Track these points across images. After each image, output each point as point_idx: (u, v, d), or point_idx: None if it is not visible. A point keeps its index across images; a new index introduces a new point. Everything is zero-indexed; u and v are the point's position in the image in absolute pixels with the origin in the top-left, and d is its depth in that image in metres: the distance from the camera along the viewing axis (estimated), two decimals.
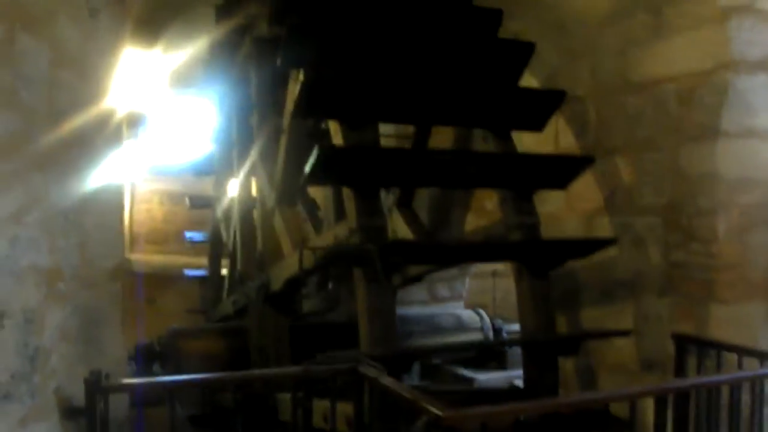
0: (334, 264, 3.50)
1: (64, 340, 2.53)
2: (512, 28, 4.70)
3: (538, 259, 3.71)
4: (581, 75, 4.48)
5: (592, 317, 4.32)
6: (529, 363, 3.68)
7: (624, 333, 3.77)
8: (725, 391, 3.07)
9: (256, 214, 5.13)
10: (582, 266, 4.41)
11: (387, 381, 2.57)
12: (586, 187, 4.43)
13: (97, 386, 2.44)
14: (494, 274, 9.92)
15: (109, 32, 3.13)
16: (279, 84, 4.59)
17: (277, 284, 4.57)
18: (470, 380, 6.61)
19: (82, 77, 2.81)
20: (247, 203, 5.48)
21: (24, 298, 2.34)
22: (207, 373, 5.28)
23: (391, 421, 2.61)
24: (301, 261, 3.70)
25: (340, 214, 4.54)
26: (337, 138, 3.64)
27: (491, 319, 6.84)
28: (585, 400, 2.42)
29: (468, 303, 7.86)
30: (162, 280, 9.03)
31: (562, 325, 4.27)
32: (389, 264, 3.21)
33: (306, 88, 3.38)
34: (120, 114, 3.20)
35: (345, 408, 2.82)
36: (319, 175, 3.51)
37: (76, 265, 2.69)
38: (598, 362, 4.33)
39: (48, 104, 2.50)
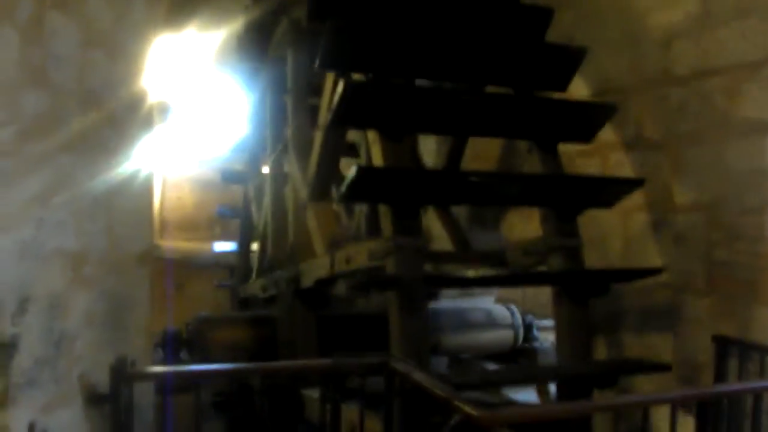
0: (367, 288, 3.42)
1: (89, 326, 2.49)
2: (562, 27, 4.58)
3: (579, 286, 3.59)
4: (622, 67, 4.34)
5: (628, 317, 4.18)
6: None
7: (664, 368, 3.59)
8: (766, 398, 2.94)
9: (288, 202, 5.07)
10: (621, 260, 4.29)
11: (419, 377, 2.49)
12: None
13: (122, 373, 2.40)
14: None
15: (142, 13, 3.09)
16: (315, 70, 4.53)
17: (307, 280, 4.50)
18: None
19: (113, 58, 2.77)
20: (279, 189, 5.42)
21: (49, 282, 2.30)
22: (233, 363, 5.32)
23: (421, 419, 2.53)
24: (332, 265, 3.59)
25: (375, 223, 4.48)
26: (375, 147, 3.53)
27: (522, 315, 6.71)
28: (621, 404, 2.30)
29: (498, 298, 7.76)
30: (191, 266, 9.06)
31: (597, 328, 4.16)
32: (424, 292, 3.13)
33: (344, 100, 3.27)
34: (151, 97, 3.16)
35: (350, 414, 2.74)
36: (355, 194, 3.43)
37: (104, 249, 2.65)
38: None
39: (78, 84, 2.46)
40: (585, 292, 3.59)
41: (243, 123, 7.04)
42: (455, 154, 4.71)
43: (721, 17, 3.61)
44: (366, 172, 3.22)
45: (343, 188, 3.24)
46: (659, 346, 3.98)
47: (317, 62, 3.58)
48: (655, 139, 4.10)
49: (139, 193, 3.06)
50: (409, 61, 3.66)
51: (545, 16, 4.12)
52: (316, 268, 4.28)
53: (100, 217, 2.60)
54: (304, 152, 4.71)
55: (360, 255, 3.49)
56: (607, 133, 4.44)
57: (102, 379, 2.44)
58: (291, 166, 4.93)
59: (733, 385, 2.66)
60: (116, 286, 2.76)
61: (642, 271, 3.73)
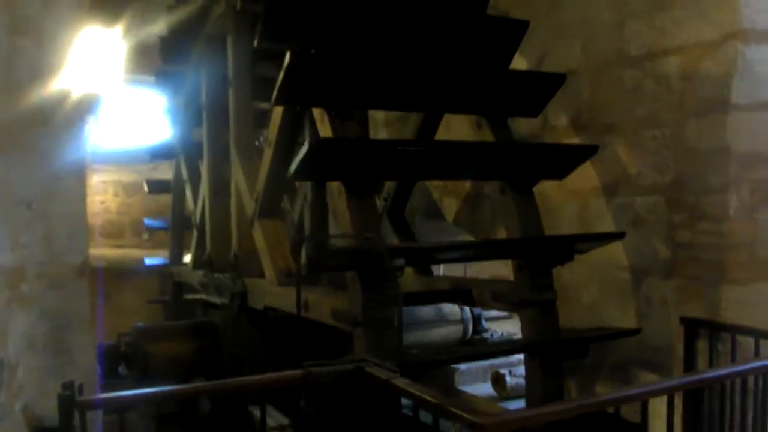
0: (328, 269, 3.21)
1: (30, 351, 2.19)
2: (500, 5, 4.47)
3: (542, 257, 3.45)
4: (573, 50, 4.28)
5: (591, 303, 4.12)
6: (531, 369, 3.45)
7: (633, 332, 3.58)
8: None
9: (231, 208, 4.76)
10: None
11: (401, 383, 2.31)
12: (579, 167, 4.23)
13: (72, 402, 2.12)
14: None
15: (69, 1, 2.78)
16: (258, 61, 4.28)
17: (256, 302, 4.32)
18: (451, 370, 6.41)
19: (41, 46, 2.45)
20: (218, 189, 5.13)
21: None
22: (184, 383, 5.01)
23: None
24: (298, 308, 3.35)
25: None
26: (323, 126, 3.33)
27: (470, 308, 6.63)
28: (622, 397, 2.19)
29: None
30: (118, 275, 8.57)
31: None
32: (392, 269, 2.93)
33: (289, 72, 3.04)
34: (79, 91, 2.85)
35: None
36: (307, 171, 3.21)
37: (42, 262, 2.34)
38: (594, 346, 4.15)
39: (6, 75, 2.14)
40: (548, 263, 3.46)
41: (164, 124, 6.72)
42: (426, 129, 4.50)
43: None
44: (320, 145, 3.01)
45: (294, 165, 3.04)
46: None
47: (256, 41, 3.35)
48: (610, 122, 4.04)
49: (75, 198, 2.75)
50: (354, 39, 3.46)
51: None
52: (267, 294, 4.13)
53: (36, 225, 2.29)
54: (248, 157, 4.46)
55: (321, 308, 3.28)
56: (559, 117, 4.38)
57: (49, 410, 2.15)
58: (235, 173, 4.65)
59: (732, 368, 2.59)
60: (57, 302, 2.45)
61: (604, 235, 3.74)
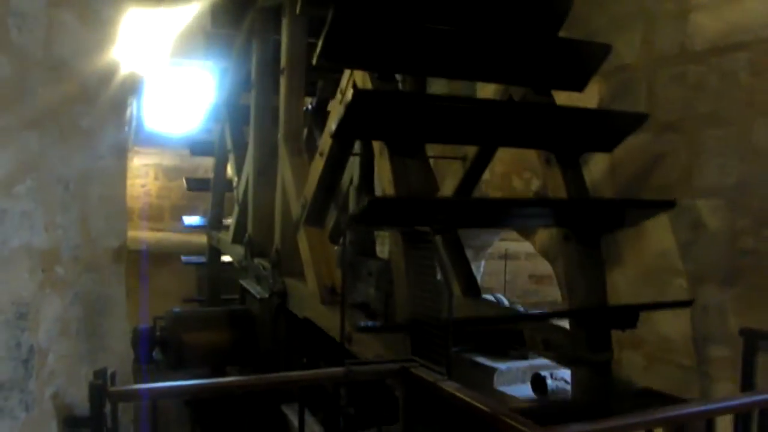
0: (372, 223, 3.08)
1: (63, 336, 2.11)
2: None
3: (588, 222, 3.32)
4: (632, 42, 4.07)
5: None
6: (577, 339, 3.29)
7: (686, 303, 3.44)
8: None
9: (276, 203, 4.67)
10: (629, 251, 4.04)
11: (450, 387, 2.18)
12: (633, 166, 4.04)
13: (104, 391, 2.04)
14: (506, 255, 9.61)
15: None
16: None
17: (295, 308, 4.27)
18: (490, 370, 6.24)
19: (84, 22, 2.37)
20: (265, 172, 5.05)
21: (15, 287, 1.91)
22: (218, 370, 4.96)
23: None
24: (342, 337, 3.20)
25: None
26: (383, 162, 3.16)
27: (510, 303, 6.46)
28: (684, 414, 2.03)
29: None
30: (157, 258, 8.61)
31: None
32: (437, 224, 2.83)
33: (354, 108, 2.89)
34: (124, 71, 2.77)
35: None
36: (365, 222, 3.08)
37: (78, 245, 2.26)
38: (646, 355, 3.97)
39: (45, 50, 2.06)
40: (596, 230, 3.35)
41: (211, 93, 6.69)
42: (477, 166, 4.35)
43: None
44: (377, 203, 2.86)
45: (351, 218, 2.94)
46: (676, 341, 3.73)
47: (315, 57, 3.21)
48: (670, 120, 3.83)
49: (115, 180, 2.69)
50: (417, 57, 3.31)
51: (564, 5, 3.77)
52: (308, 307, 4.04)
53: (72, 207, 2.21)
54: (297, 153, 4.36)
55: (366, 349, 3.10)
56: None
57: (80, 399, 2.07)
58: (282, 168, 4.54)
59: None
60: (92, 287, 2.38)
61: (657, 202, 3.57)
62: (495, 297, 6.64)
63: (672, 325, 3.82)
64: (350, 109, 2.86)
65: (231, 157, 6.17)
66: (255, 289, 4.94)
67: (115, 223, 2.67)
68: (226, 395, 4.98)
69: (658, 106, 3.91)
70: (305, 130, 5.50)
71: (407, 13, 3.34)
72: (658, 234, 3.92)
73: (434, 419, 2.32)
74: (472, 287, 4.48)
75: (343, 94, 3.41)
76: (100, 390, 2.02)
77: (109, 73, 2.57)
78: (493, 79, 3.86)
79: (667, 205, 3.46)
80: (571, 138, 3.47)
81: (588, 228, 3.37)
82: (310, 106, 6.44)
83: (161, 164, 9.95)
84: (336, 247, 4.44)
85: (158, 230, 9.71)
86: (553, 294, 10.69)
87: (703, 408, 2.15)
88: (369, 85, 3.23)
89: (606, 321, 3.30)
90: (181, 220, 8.21)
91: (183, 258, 7.75)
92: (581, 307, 3.28)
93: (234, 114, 6.11)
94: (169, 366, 4.94)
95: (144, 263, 7.39)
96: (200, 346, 4.83)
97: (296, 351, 4.44)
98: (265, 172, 4.99)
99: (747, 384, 3.31)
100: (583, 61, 3.55)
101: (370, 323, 3.09)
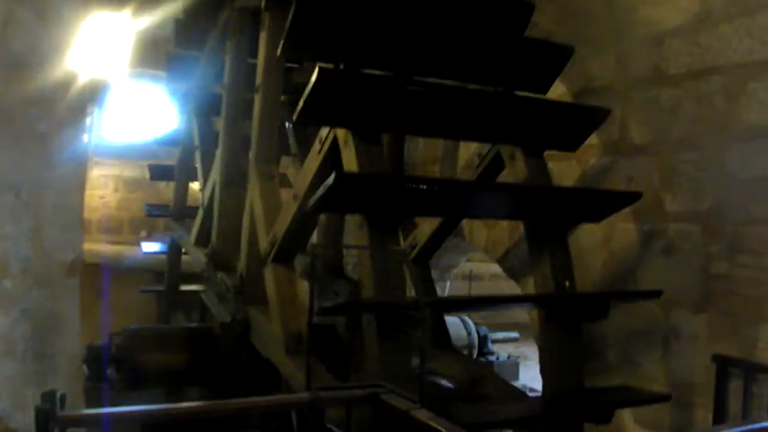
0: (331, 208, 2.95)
1: (8, 356, 1.96)
2: (542, 23, 4.25)
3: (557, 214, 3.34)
4: (606, 64, 4.06)
5: (613, 336, 3.88)
6: (546, 330, 3.26)
7: (656, 294, 3.38)
8: None
9: (244, 230, 4.41)
10: (601, 275, 4.00)
11: (422, 415, 2.07)
12: (606, 185, 4.01)
13: (51, 416, 1.88)
14: (470, 276, 9.57)
15: None
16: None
17: (257, 343, 4.09)
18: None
19: (44, 20, 2.23)
20: (233, 182, 4.88)
21: None
22: (175, 391, 4.74)
23: None
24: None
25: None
26: (348, 149, 3.07)
27: (477, 329, 6.42)
28: None
29: None
30: (115, 272, 8.34)
31: None
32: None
33: (317, 89, 2.80)
34: (85, 76, 2.63)
35: None
36: (329, 205, 2.98)
37: (28, 257, 2.11)
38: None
39: (0, 45, 1.91)
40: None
41: (172, 115, 6.48)
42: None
43: (724, 13, 3.35)
44: (346, 179, 2.76)
45: (316, 198, 2.80)
46: (649, 366, 3.69)
47: (279, 49, 3.11)
48: (643, 143, 3.82)
49: (70, 189, 2.54)
50: (384, 52, 3.24)
51: (525, 10, 3.76)
52: (271, 348, 3.82)
53: (24, 216, 2.06)
54: (268, 176, 4.16)
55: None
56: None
57: (25, 424, 1.90)
58: (251, 191, 4.24)
59: None
60: (42, 303, 2.22)
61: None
62: (461, 319, 6.59)
63: (643, 352, 3.78)
64: (314, 89, 2.76)
65: (197, 154, 5.76)
66: (216, 310, 4.76)
67: (70, 235, 2.52)
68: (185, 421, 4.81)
69: (632, 128, 3.89)
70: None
71: (370, 10, 3.24)
72: (628, 255, 3.89)
73: None
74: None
75: (322, 143, 3.29)
76: (47, 414, 1.87)
77: (69, 76, 2.44)
78: (455, 77, 3.79)
79: (634, 197, 3.44)
80: (536, 131, 3.42)
81: (554, 220, 3.34)
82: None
83: (121, 176, 9.70)
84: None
85: (117, 243, 9.44)
86: (517, 315, 10.70)
87: None
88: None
89: (576, 310, 3.23)
90: (142, 236, 8.01)
91: (139, 289, 7.52)
92: (550, 294, 3.20)
93: (203, 105, 5.73)
94: (124, 385, 4.72)
95: (105, 278, 7.15)
96: (157, 366, 4.61)
97: (257, 383, 4.22)
98: (234, 182, 4.80)
99: (719, 410, 3.28)
100: (547, 61, 3.51)
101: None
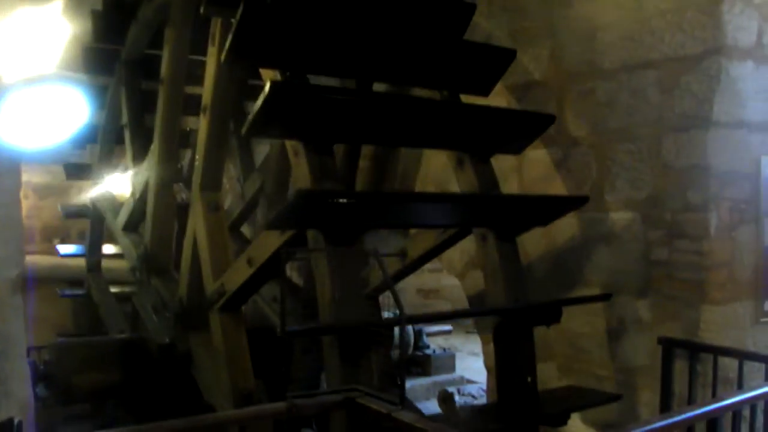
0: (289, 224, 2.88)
1: None
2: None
3: (505, 220, 3.33)
4: (539, 58, 4.15)
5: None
6: (500, 336, 3.26)
7: (605, 297, 3.52)
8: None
9: (185, 251, 4.16)
10: (544, 265, 4.09)
11: (407, 417, 2.05)
12: (546, 181, 4.10)
13: None
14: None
15: None
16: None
17: (201, 385, 3.95)
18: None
19: None
20: (168, 185, 4.68)
21: None
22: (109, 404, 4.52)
23: None
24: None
25: None
26: (300, 161, 2.98)
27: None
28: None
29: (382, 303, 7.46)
30: (32, 282, 7.88)
31: None
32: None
33: (269, 102, 2.71)
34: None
35: None
36: (289, 222, 2.90)
37: None
38: (560, 368, 4.02)
39: None
40: (511, 228, 3.33)
41: (86, 112, 6.15)
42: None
43: (656, 9, 3.48)
44: (306, 197, 2.69)
45: (277, 215, 2.76)
46: (596, 353, 3.80)
47: (223, 55, 3.00)
48: (581, 135, 3.93)
49: (10, 199, 2.36)
50: (330, 58, 3.18)
51: (467, 10, 3.76)
52: (217, 400, 3.64)
53: None
54: (213, 208, 3.92)
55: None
56: None
57: None
58: (196, 221, 3.96)
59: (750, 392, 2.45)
60: None
61: (571, 199, 3.61)
62: (394, 313, 6.59)
63: (587, 337, 3.89)
64: (267, 103, 2.68)
65: (126, 134, 5.32)
66: (151, 322, 4.55)
67: (12, 250, 2.35)
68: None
69: (569, 121, 3.99)
70: None
71: (315, 17, 3.17)
72: (570, 244, 4.00)
73: None
74: None
75: None
76: None
77: None
78: (397, 81, 3.77)
79: (581, 201, 3.50)
80: (482, 137, 3.44)
81: (504, 225, 3.35)
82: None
83: (30, 182, 9.14)
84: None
85: (29, 252, 8.92)
86: (440, 307, 10.83)
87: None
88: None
89: (530, 318, 3.27)
90: (55, 244, 7.59)
91: (59, 291, 7.13)
92: (506, 307, 3.23)
93: (134, 70, 5.30)
94: (55, 402, 4.47)
95: (30, 292, 6.72)
96: (90, 384, 4.37)
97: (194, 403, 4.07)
98: (170, 185, 4.61)
99: (666, 391, 3.42)
100: (488, 64, 3.53)
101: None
